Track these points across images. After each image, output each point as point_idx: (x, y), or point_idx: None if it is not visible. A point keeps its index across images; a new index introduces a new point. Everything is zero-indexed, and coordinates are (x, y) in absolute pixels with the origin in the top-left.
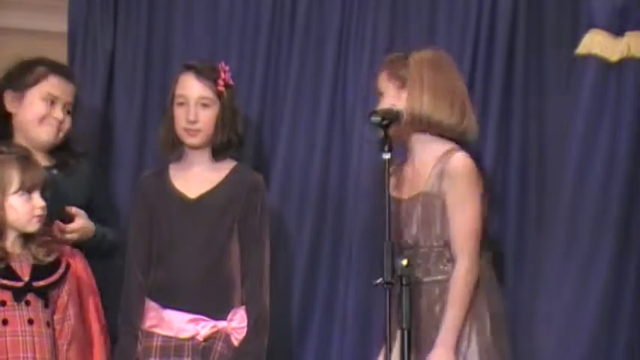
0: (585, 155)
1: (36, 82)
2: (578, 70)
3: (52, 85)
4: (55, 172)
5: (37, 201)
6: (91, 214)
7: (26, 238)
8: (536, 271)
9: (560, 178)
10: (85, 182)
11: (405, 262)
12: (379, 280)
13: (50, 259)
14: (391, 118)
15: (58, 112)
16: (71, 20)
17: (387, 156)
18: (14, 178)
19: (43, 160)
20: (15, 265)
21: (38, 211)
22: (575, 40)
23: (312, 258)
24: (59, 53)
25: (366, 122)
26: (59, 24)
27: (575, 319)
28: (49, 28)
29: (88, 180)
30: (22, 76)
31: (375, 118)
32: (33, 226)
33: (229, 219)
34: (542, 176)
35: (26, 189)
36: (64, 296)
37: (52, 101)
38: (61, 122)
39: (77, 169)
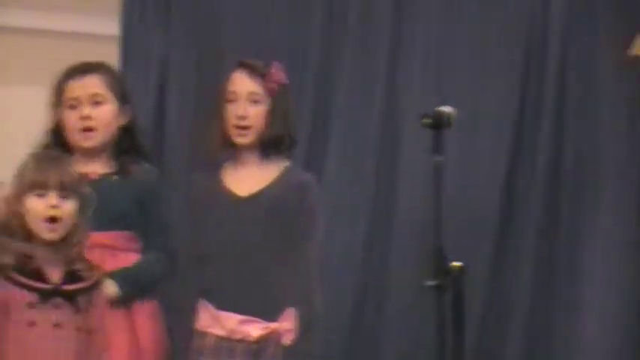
0: None
1: (60, 97)
2: (631, 71)
3: (69, 90)
4: (115, 178)
5: (50, 200)
6: (142, 225)
7: (59, 243)
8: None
9: (615, 178)
10: (139, 189)
11: (457, 263)
12: (430, 282)
13: (83, 265)
14: (443, 120)
15: (84, 110)
16: (123, 23)
17: (439, 158)
18: (27, 178)
19: (103, 167)
20: (46, 269)
21: (51, 211)
22: (628, 41)
23: (364, 259)
24: (112, 57)
25: (417, 124)
26: (112, 27)
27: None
28: (102, 31)
29: (142, 188)
30: (53, 97)
31: (427, 120)
32: (47, 233)
33: (280, 218)
34: (598, 178)
35: (40, 188)
36: (99, 304)
37: (74, 105)
38: (88, 118)
39: (137, 177)
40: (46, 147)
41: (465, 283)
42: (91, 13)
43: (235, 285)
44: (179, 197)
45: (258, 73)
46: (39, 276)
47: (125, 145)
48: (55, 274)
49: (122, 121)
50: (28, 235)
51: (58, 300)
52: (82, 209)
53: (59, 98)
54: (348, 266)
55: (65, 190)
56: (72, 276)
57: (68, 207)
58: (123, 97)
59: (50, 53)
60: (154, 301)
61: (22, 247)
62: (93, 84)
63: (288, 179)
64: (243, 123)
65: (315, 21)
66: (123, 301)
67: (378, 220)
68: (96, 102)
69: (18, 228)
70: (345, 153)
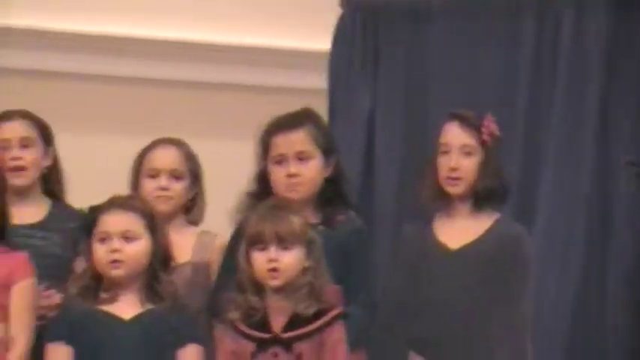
0: None
1: (266, 151)
2: None
3: (275, 146)
4: (320, 228)
5: (269, 254)
6: (346, 276)
7: (287, 290)
8: None
9: None
10: (345, 239)
11: None
12: None
13: (308, 310)
14: None
15: (291, 168)
16: (332, 77)
17: None
18: (249, 233)
19: (309, 219)
20: (272, 317)
21: (271, 265)
22: None
23: (575, 314)
24: (320, 110)
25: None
26: (319, 81)
27: None
28: (310, 85)
29: (348, 237)
30: (259, 150)
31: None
32: (271, 282)
33: (491, 272)
34: None
35: (259, 242)
36: (331, 345)
37: (280, 161)
38: (295, 175)
39: (342, 227)
40: (253, 197)
41: None
42: (298, 68)
43: (446, 338)
44: (389, 247)
45: (471, 124)
46: (263, 325)
47: (330, 195)
48: (278, 322)
49: (327, 172)
50: (258, 288)
51: (277, 349)
52: (310, 254)
53: (265, 152)
54: (558, 322)
55: (284, 242)
56: (296, 322)
57: (288, 258)
58: (328, 149)
59: (258, 108)
60: (363, 352)
61: (250, 302)
62: (298, 140)
63: (500, 232)
64: (455, 175)
65: (524, 72)
66: None
67: (590, 273)
68: (301, 158)
69: (248, 282)
70: (555, 204)
